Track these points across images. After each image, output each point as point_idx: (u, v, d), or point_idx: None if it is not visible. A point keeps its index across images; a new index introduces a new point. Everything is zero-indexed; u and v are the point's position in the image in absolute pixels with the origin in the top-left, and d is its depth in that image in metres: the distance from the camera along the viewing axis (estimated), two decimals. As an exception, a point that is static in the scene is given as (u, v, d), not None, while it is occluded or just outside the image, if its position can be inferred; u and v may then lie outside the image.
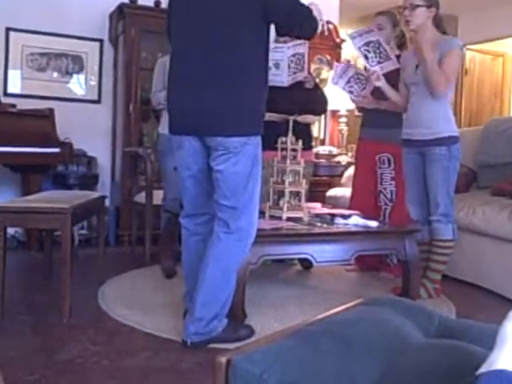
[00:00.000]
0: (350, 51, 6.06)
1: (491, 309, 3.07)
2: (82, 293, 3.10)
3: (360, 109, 3.84)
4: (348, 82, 3.41)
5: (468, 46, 6.64)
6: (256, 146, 2.39)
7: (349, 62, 3.40)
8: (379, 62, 3.23)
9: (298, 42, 3.45)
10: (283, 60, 3.46)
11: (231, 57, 2.30)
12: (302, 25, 2.38)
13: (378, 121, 3.59)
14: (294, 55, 3.49)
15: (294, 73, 3.54)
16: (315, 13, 2.45)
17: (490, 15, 6.57)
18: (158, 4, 4.76)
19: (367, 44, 3.21)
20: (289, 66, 3.50)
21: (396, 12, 3.75)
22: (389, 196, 3.62)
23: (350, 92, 3.44)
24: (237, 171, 2.36)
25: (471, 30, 6.51)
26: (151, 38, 4.81)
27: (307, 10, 2.39)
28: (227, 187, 2.37)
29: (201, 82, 2.33)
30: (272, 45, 3.27)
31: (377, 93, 3.39)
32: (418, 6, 3.06)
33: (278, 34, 2.49)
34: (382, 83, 3.25)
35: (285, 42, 3.49)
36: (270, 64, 3.36)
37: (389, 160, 3.59)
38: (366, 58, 3.21)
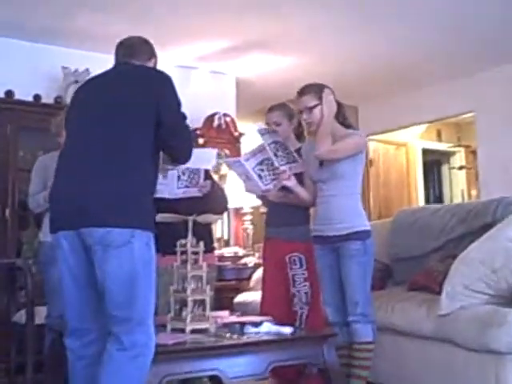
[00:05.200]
0: (249, 145, 6.25)
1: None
2: None
3: (264, 202, 3.89)
4: (260, 163, 3.37)
5: (370, 137, 7.06)
6: (143, 244, 2.36)
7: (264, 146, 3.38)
8: (288, 162, 3.34)
9: None
10: (173, 170, 3.49)
11: (114, 145, 2.38)
12: (180, 145, 2.55)
13: (283, 218, 3.62)
14: (186, 167, 3.52)
15: (186, 186, 3.56)
16: (207, 155, 2.64)
17: (389, 105, 7.07)
18: (37, 98, 4.75)
19: (276, 142, 3.33)
20: (179, 178, 3.53)
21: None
22: (303, 299, 3.60)
23: (259, 177, 3.37)
24: (124, 273, 2.30)
25: (372, 120, 6.95)
26: (30, 136, 4.75)
27: (189, 135, 2.58)
28: (117, 294, 2.30)
29: (81, 171, 2.37)
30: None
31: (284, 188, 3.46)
32: (314, 106, 3.22)
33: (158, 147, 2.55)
34: (292, 183, 3.35)
35: None
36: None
37: (300, 260, 3.59)
38: (276, 156, 3.31)
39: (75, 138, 2.49)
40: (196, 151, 2.72)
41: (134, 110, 2.43)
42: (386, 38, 5.27)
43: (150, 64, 2.69)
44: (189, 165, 2.68)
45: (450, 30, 5.13)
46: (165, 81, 2.51)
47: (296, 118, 3.65)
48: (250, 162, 3.33)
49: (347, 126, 3.35)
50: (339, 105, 3.32)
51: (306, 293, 3.60)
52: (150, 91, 2.45)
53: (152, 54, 2.73)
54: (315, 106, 3.22)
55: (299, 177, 3.42)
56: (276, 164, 3.31)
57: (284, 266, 3.64)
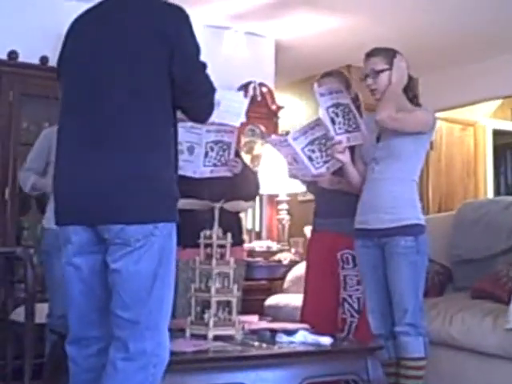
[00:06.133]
0: (288, 121, 6.24)
1: None
2: None
3: (311, 189, 3.87)
4: (311, 143, 3.32)
5: (433, 114, 6.96)
6: (166, 237, 2.35)
7: (320, 119, 3.33)
8: (347, 131, 3.28)
9: (224, 127, 3.53)
10: (200, 144, 3.48)
11: (132, 124, 2.32)
12: (199, 103, 2.46)
13: (336, 208, 3.60)
14: (216, 142, 3.52)
15: (215, 165, 3.57)
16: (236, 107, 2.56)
17: (455, 76, 6.96)
18: (44, 61, 4.79)
19: (336, 106, 3.28)
20: (206, 154, 3.53)
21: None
22: (355, 305, 3.57)
23: (310, 159, 3.32)
24: (139, 271, 2.29)
25: (435, 95, 6.82)
26: (36, 104, 4.81)
27: (210, 90, 2.46)
28: (126, 293, 2.29)
29: (92, 155, 2.31)
30: (187, 123, 3.31)
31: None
32: (382, 70, 3.21)
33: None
34: (346, 158, 3.30)
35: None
36: (183, 147, 3.39)
37: (354, 258, 3.56)
38: (333, 122, 3.26)
39: (75, 102, 2.41)
40: (223, 100, 2.65)
41: (144, 64, 2.33)
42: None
43: None
44: (212, 118, 2.64)
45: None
46: (180, 19, 2.39)
47: (353, 89, 3.62)
48: (299, 142, 3.29)
49: (416, 106, 3.33)
50: (410, 78, 3.32)
51: (358, 298, 3.57)
52: (162, 36, 2.32)
53: None
54: (383, 71, 3.21)
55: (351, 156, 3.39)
56: (332, 132, 3.26)
57: (334, 265, 3.62)
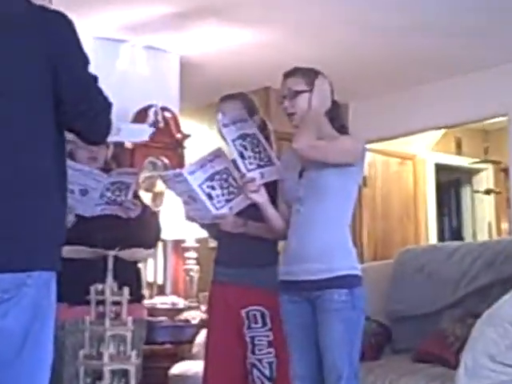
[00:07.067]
0: (196, 152, 6.25)
1: None
2: None
3: (213, 234, 3.88)
4: (211, 179, 3.29)
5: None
6: (42, 288, 2.32)
7: (220, 149, 3.30)
8: (259, 166, 3.28)
9: (125, 170, 3.69)
10: (96, 189, 3.50)
11: (10, 164, 2.29)
12: (93, 125, 2.46)
13: (242, 256, 3.61)
14: (113, 183, 3.54)
15: (107, 203, 3.58)
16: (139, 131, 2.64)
17: (392, 103, 7.11)
18: None
19: (243, 137, 3.29)
20: (101, 196, 3.57)
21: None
22: (267, 371, 3.57)
23: (209, 197, 3.28)
24: (5, 327, 2.25)
25: (367, 123, 6.95)
26: None
27: (105, 102, 2.46)
28: None
29: None
30: (86, 168, 3.41)
31: (248, 211, 3.42)
32: (301, 92, 3.26)
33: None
34: (262, 198, 3.29)
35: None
36: (74, 187, 3.39)
37: (262, 316, 3.56)
38: (242, 156, 3.25)
39: None
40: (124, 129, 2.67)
41: (21, 86, 2.32)
42: (387, 9, 5.33)
43: None
44: (115, 138, 2.67)
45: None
46: (62, 29, 2.39)
47: (259, 116, 3.64)
48: (197, 176, 3.27)
49: (340, 127, 3.38)
50: (337, 105, 3.39)
51: (269, 363, 3.58)
52: (44, 54, 2.32)
53: None
54: (302, 92, 3.25)
55: (271, 197, 3.40)
56: (242, 169, 3.26)
57: (239, 324, 3.61)
